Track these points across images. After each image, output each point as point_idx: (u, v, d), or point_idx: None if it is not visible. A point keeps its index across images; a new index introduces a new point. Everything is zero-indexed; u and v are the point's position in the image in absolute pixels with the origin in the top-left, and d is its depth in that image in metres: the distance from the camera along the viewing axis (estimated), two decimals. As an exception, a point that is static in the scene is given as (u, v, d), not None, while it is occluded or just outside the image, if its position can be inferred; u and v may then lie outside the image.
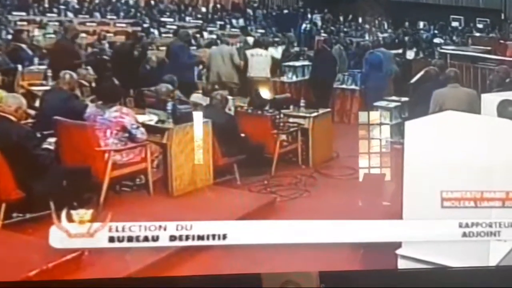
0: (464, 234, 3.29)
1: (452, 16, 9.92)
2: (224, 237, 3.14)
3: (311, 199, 4.38)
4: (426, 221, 3.31)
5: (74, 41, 5.81)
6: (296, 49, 7.55)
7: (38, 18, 7.21)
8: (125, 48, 6.08)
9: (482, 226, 3.30)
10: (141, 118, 4.57)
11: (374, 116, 4.49)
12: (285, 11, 9.47)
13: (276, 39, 7.83)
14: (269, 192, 4.46)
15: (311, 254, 3.30)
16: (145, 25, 7.98)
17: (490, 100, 3.93)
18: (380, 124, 4.44)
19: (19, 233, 3.49)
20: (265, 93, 5.89)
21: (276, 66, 6.95)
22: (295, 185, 4.61)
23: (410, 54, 7.61)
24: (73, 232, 3.07)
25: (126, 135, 4.21)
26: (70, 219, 3.09)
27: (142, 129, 4.24)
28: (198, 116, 4.42)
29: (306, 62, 7.20)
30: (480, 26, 9.46)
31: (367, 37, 8.62)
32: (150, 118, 4.60)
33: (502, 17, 9.33)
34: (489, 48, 7.75)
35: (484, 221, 3.30)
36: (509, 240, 3.31)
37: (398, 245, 3.40)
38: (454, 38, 9.21)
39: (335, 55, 6.90)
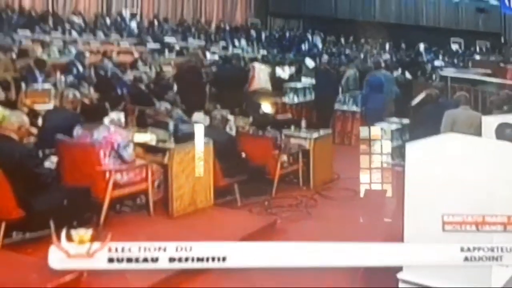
0: (466, 259, 3.25)
1: (452, 39, 10.01)
2: (224, 259, 3.11)
3: (312, 221, 4.36)
4: (427, 245, 3.28)
5: (200, 63, 6.67)
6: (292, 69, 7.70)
7: (42, 37, 7.28)
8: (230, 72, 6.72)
9: (484, 250, 3.26)
10: (143, 137, 4.56)
11: (375, 131, 4.50)
12: (287, 33, 9.57)
13: (283, 60, 7.93)
14: (270, 214, 4.45)
15: (311, 276, 3.28)
16: (154, 46, 8.07)
17: (489, 122, 3.93)
18: (382, 139, 4.44)
19: (18, 252, 3.46)
20: (268, 106, 5.99)
21: (280, 87, 7.05)
22: (296, 207, 4.59)
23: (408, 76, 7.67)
24: (72, 252, 3.04)
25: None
26: (69, 238, 3.06)
27: (130, 151, 4.09)
28: (199, 129, 4.42)
29: (308, 84, 7.26)
30: (480, 49, 9.53)
31: (368, 59, 8.67)
32: (152, 137, 4.58)
33: (502, 40, 9.40)
34: (489, 71, 7.79)
35: (486, 246, 3.26)
36: (511, 265, 3.28)
37: (399, 268, 3.38)
38: (455, 60, 9.27)
39: (351, 79, 6.99)
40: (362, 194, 4.26)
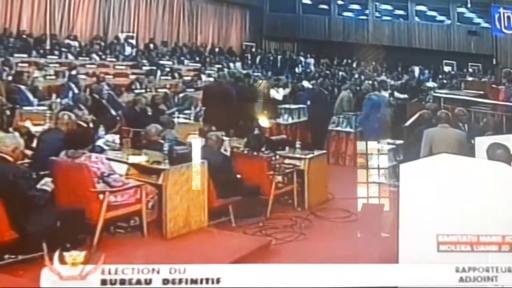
0: (461, 279, 3.24)
1: (444, 61, 10.14)
2: (218, 281, 3.10)
3: (307, 242, 4.34)
4: (422, 266, 3.27)
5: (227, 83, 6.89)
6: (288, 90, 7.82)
7: (38, 60, 7.34)
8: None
9: (479, 270, 3.26)
10: (138, 159, 4.57)
11: (372, 145, 4.51)
12: (281, 55, 9.70)
13: (277, 82, 8.04)
14: (264, 235, 4.43)
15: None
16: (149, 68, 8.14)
17: (482, 143, 3.96)
18: (379, 153, 4.46)
19: (9, 275, 3.43)
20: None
21: (276, 108, 7.14)
22: (290, 228, 4.58)
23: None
24: (65, 275, 3.03)
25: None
26: (62, 261, 3.05)
27: (115, 176, 4.09)
28: (196, 142, 4.45)
29: (302, 105, 7.33)
30: (472, 70, 9.64)
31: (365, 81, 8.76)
32: (147, 159, 4.59)
33: (494, 62, 9.53)
34: (481, 92, 7.89)
35: (481, 266, 3.26)
36: (506, 286, 3.26)
37: (394, 289, 3.36)
38: (445, 81, 9.38)
39: (345, 101, 7.08)
40: (359, 209, 4.26)
